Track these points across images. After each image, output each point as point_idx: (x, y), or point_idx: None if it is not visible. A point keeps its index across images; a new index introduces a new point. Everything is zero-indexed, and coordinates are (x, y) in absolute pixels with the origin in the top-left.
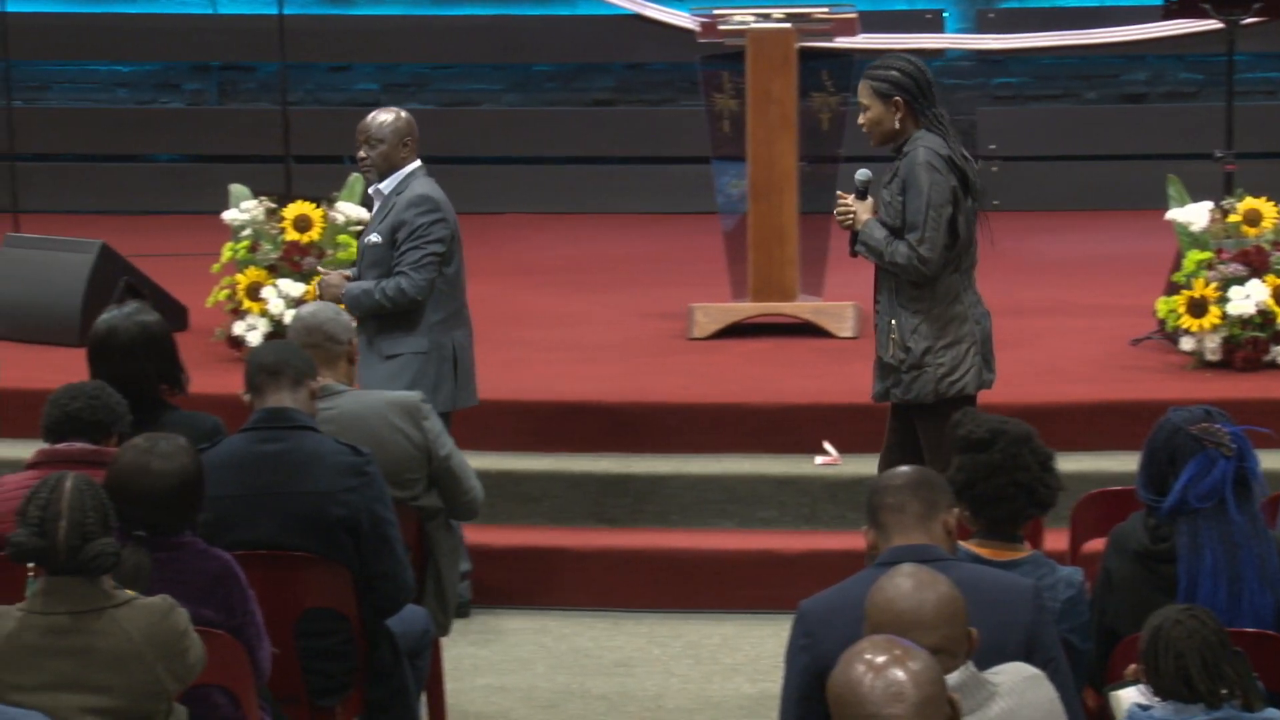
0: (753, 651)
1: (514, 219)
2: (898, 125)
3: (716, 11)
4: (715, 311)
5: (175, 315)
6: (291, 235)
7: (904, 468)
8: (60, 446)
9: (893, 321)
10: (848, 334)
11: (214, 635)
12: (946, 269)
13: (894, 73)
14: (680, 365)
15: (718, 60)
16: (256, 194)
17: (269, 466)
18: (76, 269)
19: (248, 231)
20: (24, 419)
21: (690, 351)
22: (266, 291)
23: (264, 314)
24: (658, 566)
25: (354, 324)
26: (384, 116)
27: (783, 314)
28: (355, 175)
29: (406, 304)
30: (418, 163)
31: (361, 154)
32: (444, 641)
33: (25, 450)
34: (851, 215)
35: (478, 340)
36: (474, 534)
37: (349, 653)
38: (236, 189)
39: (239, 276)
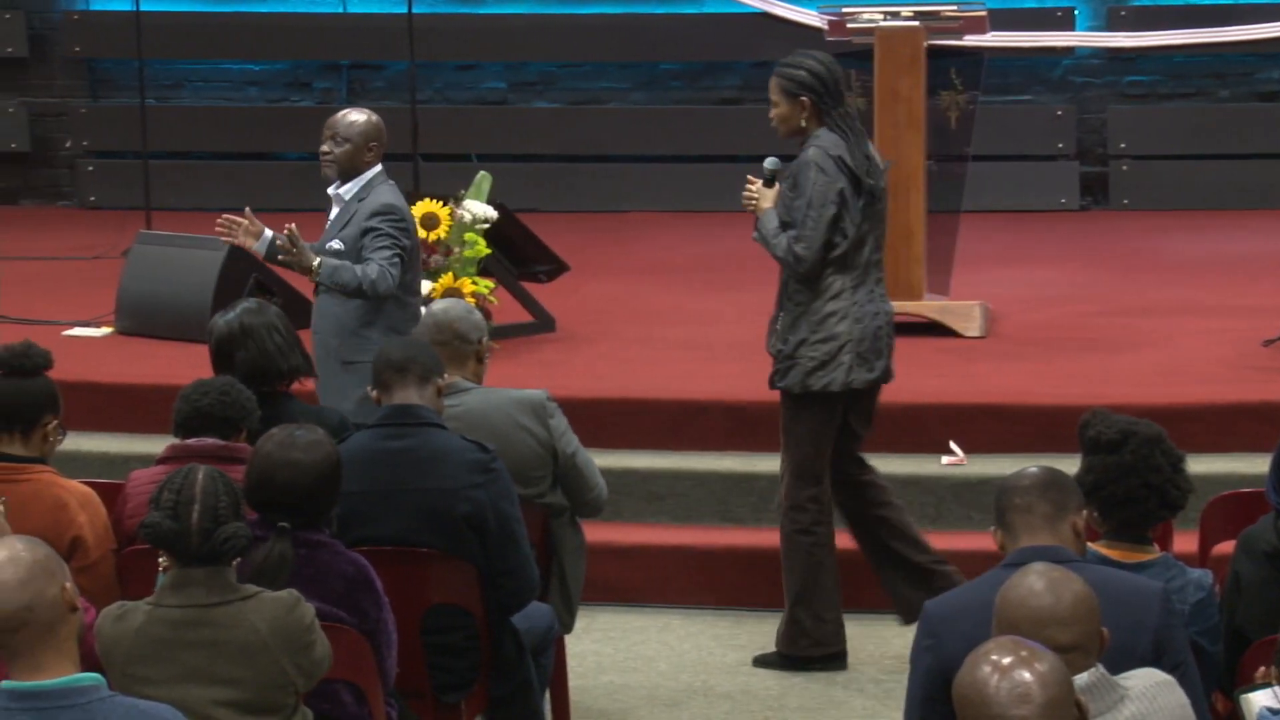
0: (876, 651)
1: (641, 217)
2: (804, 123)
3: (845, 9)
4: None
5: (303, 311)
6: (420, 233)
7: (1033, 468)
8: (191, 442)
9: (780, 313)
10: (974, 333)
11: (341, 631)
12: (827, 268)
13: (803, 72)
14: None
15: (845, 58)
16: None
17: (396, 463)
18: (207, 266)
19: None
20: (156, 414)
21: None
22: None
23: None
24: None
25: (485, 322)
26: (355, 116)
27: (909, 313)
28: (482, 174)
29: (374, 293)
30: (379, 167)
31: (325, 148)
32: (568, 638)
33: (157, 445)
34: (754, 202)
35: (606, 337)
36: (599, 532)
37: (473, 649)
38: None
39: None
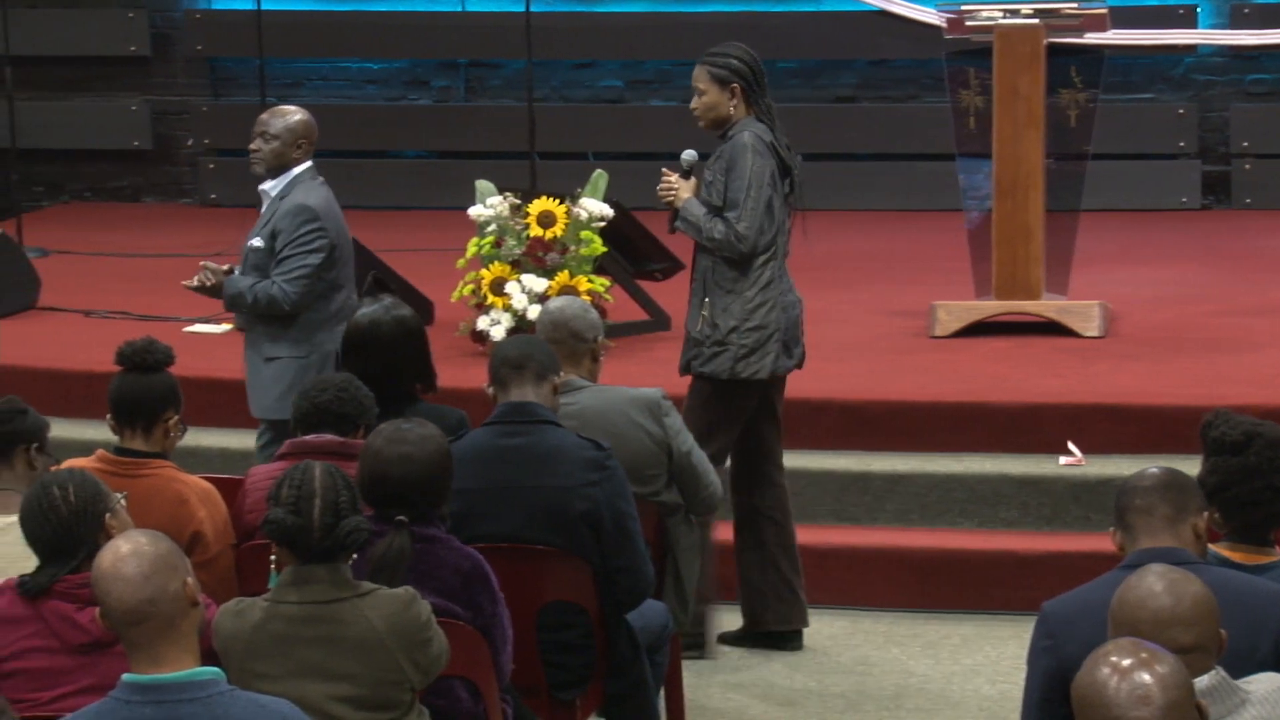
0: (993, 653)
1: None
2: (731, 111)
3: (964, 7)
4: (958, 309)
5: (421, 310)
6: (536, 231)
7: (1154, 469)
8: (309, 438)
9: (706, 299)
10: (1093, 333)
11: (456, 627)
12: (759, 255)
13: (734, 60)
14: (921, 363)
15: (964, 56)
16: (502, 190)
17: (512, 460)
18: None
19: (493, 227)
20: None
21: (932, 350)
22: (510, 287)
23: (508, 309)
24: (897, 565)
25: (600, 321)
26: (285, 110)
27: (1027, 312)
28: (599, 172)
29: (277, 313)
30: (308, 164)
31: (253, 145)
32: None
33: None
34: (674, 192)
35: None
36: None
37: (589, 646)
38: (482, 185)
39: (483, 271)
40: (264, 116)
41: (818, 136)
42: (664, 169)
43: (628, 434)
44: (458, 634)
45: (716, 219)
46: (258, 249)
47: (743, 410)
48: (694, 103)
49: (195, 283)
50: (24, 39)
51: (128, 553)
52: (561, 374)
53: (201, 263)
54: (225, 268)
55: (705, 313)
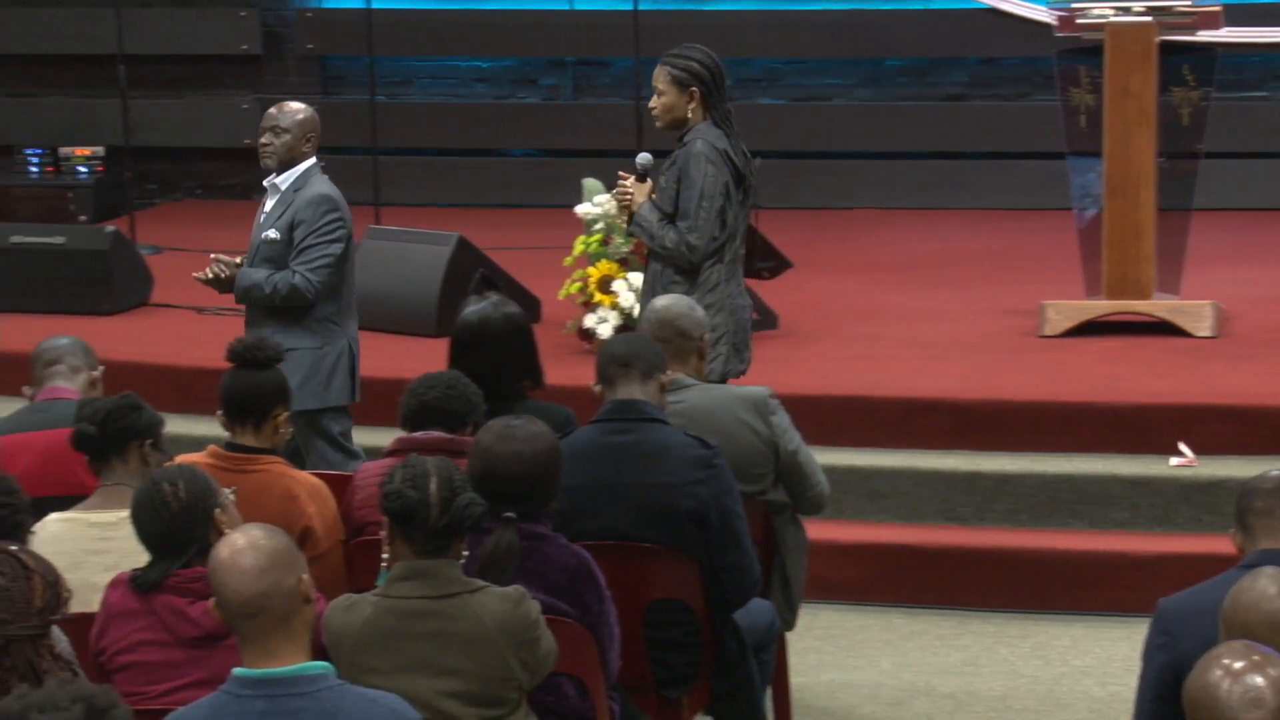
0: (1103, 654)
1: (864, 214)
2: (689, 114)
3: (1075, 5)
4: (1068, 309)
5: (528, 307)
6: None
7: (1275, 471)
8: (417, 435)
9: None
10: (1205, 333)
11: (564, 624)
12: (710, 258)
13: (694, 64)
14: (1031, 363)
15: (1075, 54)
16: (609, 188)
17: (618, 458)
18: (434, 261)
19: (600, 225)
20: (383, 408)
21: (1042, 349)
22: (617, 284)
23: (615, 307)
24: (1006, 565)
25: (707, 319)
26: (293, 107)
27: (1138, 312)
28: None
29: (298, 303)
30: (314, 159)
31: (264, 140)
32: (789, 636)
33: (384, 438)
34: (629, 196)
35: (829, 334)
36: (820, 529)
37: (695, 644)
38: (590, 183)
39: (590, 270)
40: (272, 111)
41: (927, 135)
42: (620, 172)
43: (735, 432)
44: (565, 631)
45: (669, 227)
46: (273, 241)
47: None
48: (652, 102)
49: (208, 275)
50: (137, 38)
51: (246, 546)
52: (669, 372)
53: (213, 255)
54: (237, 260)
55: None
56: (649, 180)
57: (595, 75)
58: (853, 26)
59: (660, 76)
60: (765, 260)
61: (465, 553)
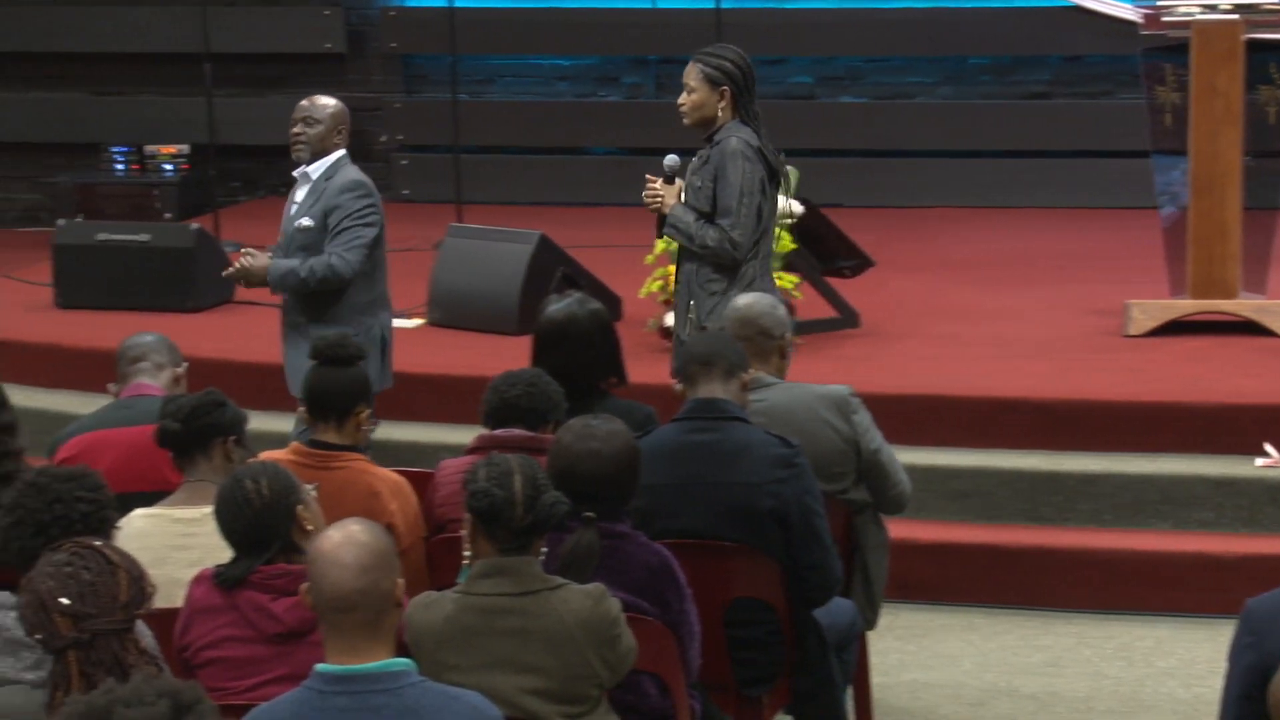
0: (1187, 655)
1: (946, 212)
2: (719, 113)
3: (1161, 3)
4: (1152, 308)
5: (609, 306)
6: None
7: None
8: (499, 432)
9: (691, 302)
10: None
11: (644, 623)
12: (748, 254)
13: (728, 63)
14: (1115, 362)
15: (1160, 52)
16: None
17: (700, 456)
18: (516, 259)
19: None
20: (465, 405)
21: (1126, 349)
22: None
23: None
24: (1089, 566)
25: (789, 318)
26: (325, 100)
27: (1223, 311)
28: (788, 169)
29: (335, 283)
30: (344, 150)
31: (296, 130)
32: (870, 636)
33: (466, 435)
34: (659, 199)
35: (911, 333)
36: (902, 529)
37: (776, 643)
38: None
39: (672, 268)
40: (304, 104)
41: (1010, 133)
42: (647, 175)
43: (816, 431)
44: (646, 630)
45: (708, 226)
46: (308, 228)
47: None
48: (681, 99)
49: (237, 267)
50: (223, 37)
51: (349, 541)
52: (750, 371)
53: (243, 249)
54: (267, 252)
55: (692, 315)
56: (676, 182)
57: (677, 73)
58: (936, 24)
59: (692, 74)
60: (847, 259)
61: (544, 550)
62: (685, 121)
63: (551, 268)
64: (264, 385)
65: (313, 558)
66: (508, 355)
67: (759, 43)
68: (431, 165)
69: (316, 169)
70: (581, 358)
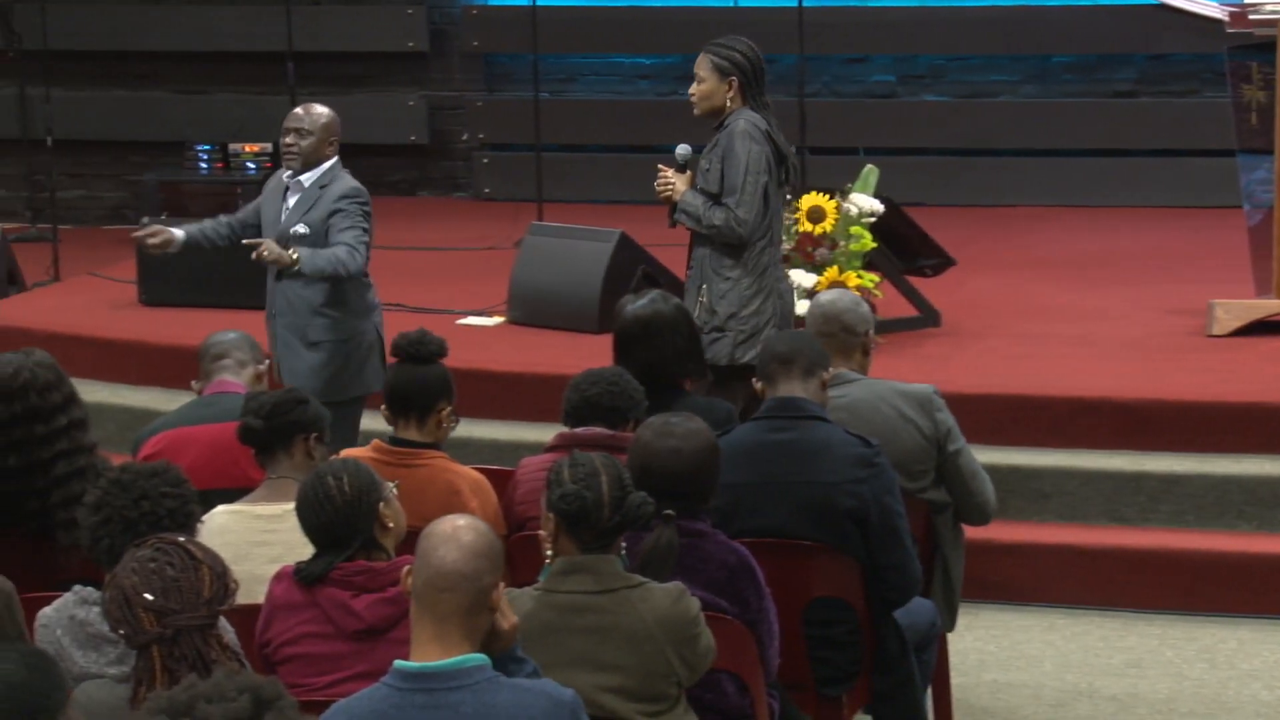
0: (1271, 657)
1: (1030, 211)
2: (728, 103)
3: (1247, 1)
4: (1237, 308)
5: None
6: (805, 226)
7: None
8: (579, 430)
9: (703, 285)
10: None
11: (723, 621)
12: (759, 240)
13: (737, 54)
14: (1199, 362)
15: (1247, 50)
16: None
17: (779, 455)
18: (596, 257)
19: None
20: (545, 403)
21: (1209, 349)
22: None
23: None
24: (1171, 567)
25: (872, 315)
26: (317, 109)
27: None
28: (869, 167)
29: (345, 274)
30: (337, 158)
31: (289, 141)
32: (950, 636)
33: (546, 433)
34: (671, 187)
35: (992, 332)
36: (984, 530)
37: (856, 643)
38: None
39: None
40: (298, 113)
41: (1094, 132)
42: (659, 165)
43: (898, 428)
44: (724, 629)
45: (715, 206)
46: (303, 235)
47: (743, 396)
48: (691, 89)
49: (268, 255)
50: (306, 36)
51: (466, 527)
52: (831, 368)
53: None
54: (293, 254)
55: (704, 299)
56: (688, 171)
57: None
58: (1019, 22)
59: (702, 64)
60: (928, 258)
61: (624, 547)
62: (695, 112)
63: (631, 266)
64: None
65: (426, 535)
66: (588, 353)
67: (841, 41)
68: (512, 164)
69: (309, 177)
70: (664, 354)
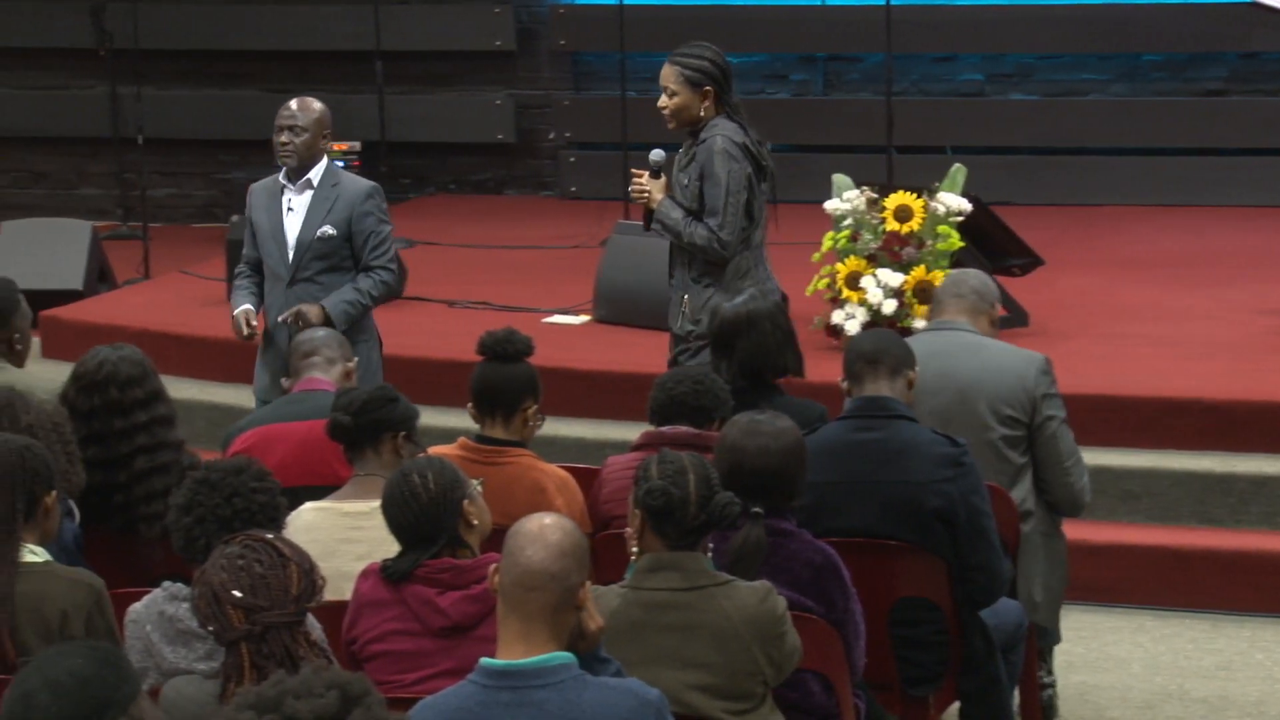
0: None
1: (1120, 210)
2: (702, 113)
3: None
4: None
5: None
6: (892, 225)
7: None
8: (665, 429)
9: (685, 296)
10: None
11: (809, 621)
12: (739, 247)
13: (705, 62)
14: None
15: None
16: (859, 184)
17: (865, 455)
18: None
19: (849, 221)
20: (631, 402)
21: None
22: (865, 281)
23: (862, 303)
24: (1262, 568)
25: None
26: (311, 104)
27: None
28: (957, 166)
29: (389, 298)
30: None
31: (284, 139)
32: None
33: (632, 432)
34: (646, 193)
35: (1081, 332)
36: (1074, 530)
37: (942, 643)
38: (839, 179)
39: (839, 265)
40: (293, 108)
41: (1184, 131)
42: (634, 170)
43: (997, 369)
44: (810, 628)
45: (696, 224)
46: (330, 236)
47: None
48: (662, 102)
49: (294, 315)
50: (394, 34)
51: (552, 526)
52: (914, 371)
53: (298, 316)
54: (313, 307)
55: (685, 309)
56: (663, 176)
57: (845, 71)
58: (1109, 21)
59: (670, 77)
60: (1016, 257)
61: (710, 546)
62: (669, 126)
63: None
64: (434, 381)
65: (514, 533)
66: None
67: (928, 40)
68: (599, 162)
69: (315, 175)
70: (763, 347)
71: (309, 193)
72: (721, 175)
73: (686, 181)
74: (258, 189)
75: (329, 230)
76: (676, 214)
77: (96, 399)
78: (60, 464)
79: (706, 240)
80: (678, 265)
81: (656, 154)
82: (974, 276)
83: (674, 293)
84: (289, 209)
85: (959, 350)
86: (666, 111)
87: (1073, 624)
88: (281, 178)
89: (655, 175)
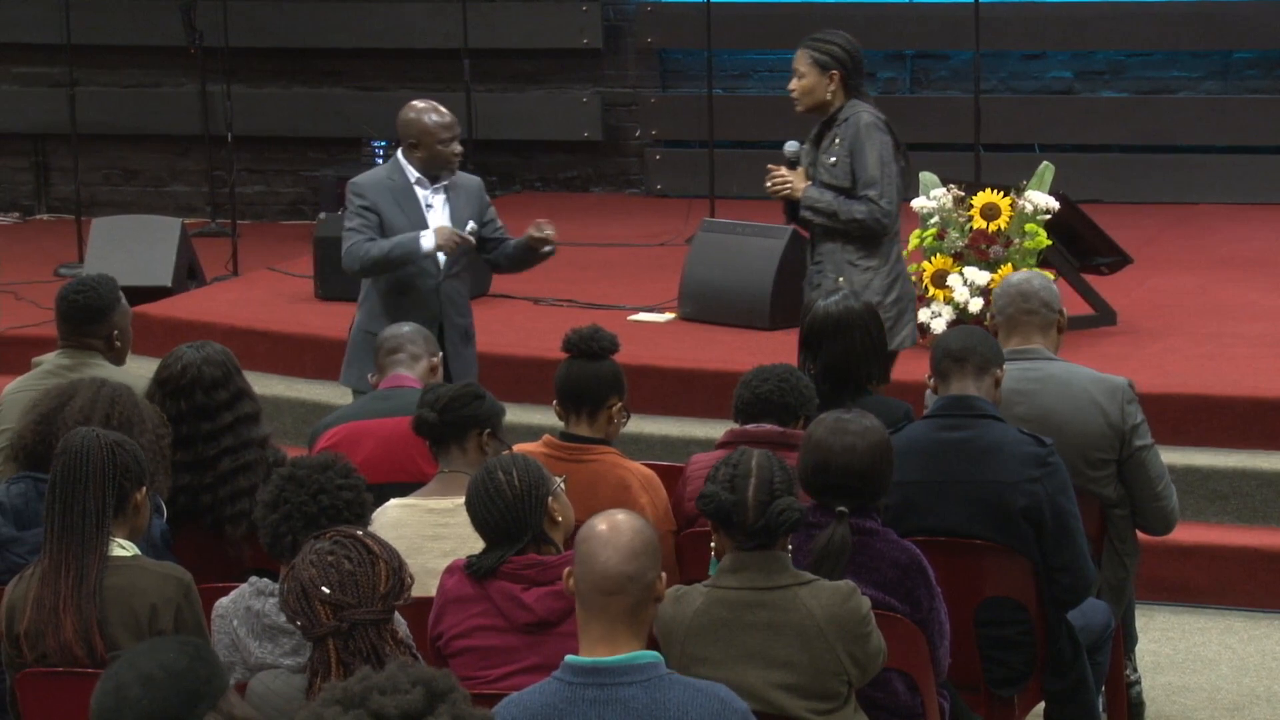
0: None
1: (1213, 209)
2: (829, 96)
3: None
4: None
5: None
6: (979, 223)
7: None
8: (749, 427)
9: (840, 279)
10: None
11: (894, 620)
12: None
13: (836, 47)
14: None
15: None
16: (945, 182)
17: (952, 454)
18: (768, 254)
19: (935, 219)
20: (716, 399)
21: None
22: (952, 279)
23: (949, 301)
24: None
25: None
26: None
27: None
28: (1045, 164)
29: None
30: None
31: (457, 149)
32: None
33: (717, 430)
34: (789, 185)
35: (1171, 331)
36: None
37: (1028, 643)
38: (926, 177)
39: (925, 264)
40: (453, 117)
41: (1276, 128)
42: (769, 165)
43: (1085, 411)
44: (895, 628)
45: (852, 201)
46: (475, 231)
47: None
48: (791, 84)
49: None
50: (482, 32)
51: (622, 527)
52: (1001, 369)
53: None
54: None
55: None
56: (800, 167)
57: (933, 68)
58: (1201, 18)
59: (801, 59)
60: (1104, 256)
61: (790, 547)
62: (798, 108)
63: (803, 263)
64: (520, 378)
65: (584, 537)
66: (759, 350)
67: (1018, 37)
68: (685, 160)
69: (445, 177)
70: (853, 351)
71: (444, 192)
72: (873, 147)
73: (833, 161)
74: (371, 185)
75: (473, 225)
76: (827, 196)
77: (183, 403)
78: (154, 465)
79: (867, 212)
80: (825, 250)
81: (791, 145)
82: (1038, 286)
83: (824, 278)
84: (428, 206)
85: (1044, 388)
86: (795, 93)
87: (1160, 625)
88: (409, 177)
89: (792, 166)
